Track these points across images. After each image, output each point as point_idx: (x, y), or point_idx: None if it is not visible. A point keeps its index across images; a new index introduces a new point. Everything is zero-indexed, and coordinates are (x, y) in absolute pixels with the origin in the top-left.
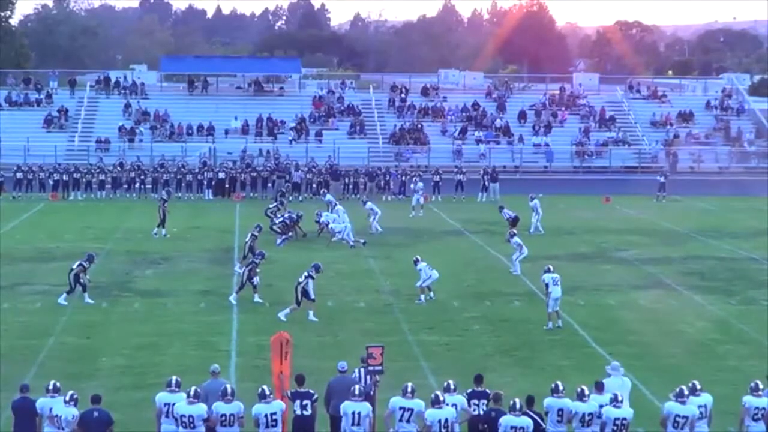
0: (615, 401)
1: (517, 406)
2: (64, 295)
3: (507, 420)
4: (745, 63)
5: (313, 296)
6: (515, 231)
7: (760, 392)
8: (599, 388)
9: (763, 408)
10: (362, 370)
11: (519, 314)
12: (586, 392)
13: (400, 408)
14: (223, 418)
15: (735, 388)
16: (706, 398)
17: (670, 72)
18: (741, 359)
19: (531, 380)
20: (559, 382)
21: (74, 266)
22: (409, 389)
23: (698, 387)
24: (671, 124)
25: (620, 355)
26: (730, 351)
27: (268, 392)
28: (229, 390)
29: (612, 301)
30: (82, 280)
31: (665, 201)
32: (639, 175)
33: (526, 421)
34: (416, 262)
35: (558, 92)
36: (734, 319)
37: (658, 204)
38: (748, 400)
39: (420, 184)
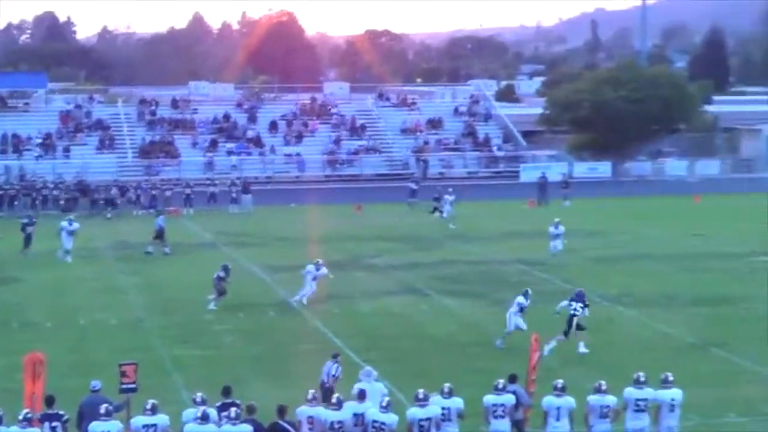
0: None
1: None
2: None
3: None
4: (491, 69)
5: None
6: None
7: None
8: (361, 396)
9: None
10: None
11: (274, 324)
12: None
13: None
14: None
15: (484, 389)
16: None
17: (419, 79)
18: (492, 360)
19: (285, 391)
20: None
21: None
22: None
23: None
24: (421, 131)
25: (375, 361)
26: (479, 353)
27: (150, 406)
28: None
29: (365, 308)
30: None
31: (416, 207)
32: (390, 182)
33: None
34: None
35: (309, 102)
36: (484, 321)
37: (411, 210)
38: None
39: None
